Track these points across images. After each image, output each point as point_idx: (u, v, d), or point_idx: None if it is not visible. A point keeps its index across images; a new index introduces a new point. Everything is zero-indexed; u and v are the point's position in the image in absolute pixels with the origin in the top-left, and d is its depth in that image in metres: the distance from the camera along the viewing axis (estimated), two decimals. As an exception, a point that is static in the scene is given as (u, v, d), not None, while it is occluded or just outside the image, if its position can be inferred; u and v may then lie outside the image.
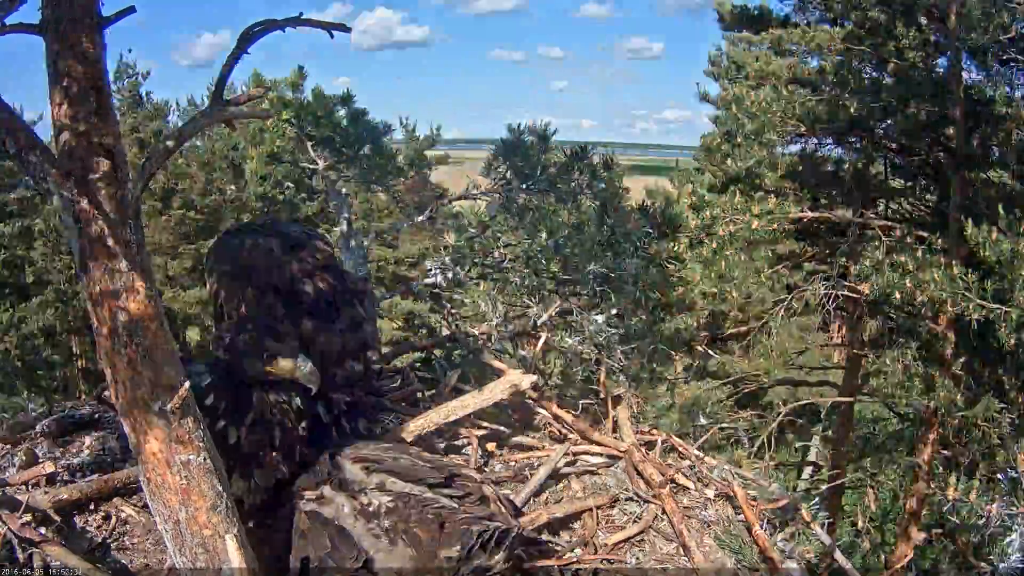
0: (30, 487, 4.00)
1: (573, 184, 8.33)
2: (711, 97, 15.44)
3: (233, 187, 26.05)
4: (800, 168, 12.91)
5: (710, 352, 14.97)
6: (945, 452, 11.89)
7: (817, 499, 5.28)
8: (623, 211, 8.14)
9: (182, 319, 26.04)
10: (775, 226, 11.44)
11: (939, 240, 11.01)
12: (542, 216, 7.77)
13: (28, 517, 3.67)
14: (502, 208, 8.28)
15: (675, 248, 12.14)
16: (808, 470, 16.57)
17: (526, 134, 8.66)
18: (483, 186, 8.62)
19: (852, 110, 11.04)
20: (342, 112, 10.01)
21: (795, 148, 13.36)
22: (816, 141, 12.84)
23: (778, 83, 12.23)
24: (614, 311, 7.68)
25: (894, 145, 11.92)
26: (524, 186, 8.25)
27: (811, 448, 18.26)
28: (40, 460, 4.22)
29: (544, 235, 7.29)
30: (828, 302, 12.41)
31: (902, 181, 12.86)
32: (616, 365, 7.92)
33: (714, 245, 11.54)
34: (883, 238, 11.65)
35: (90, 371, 22.72)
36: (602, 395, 5.86)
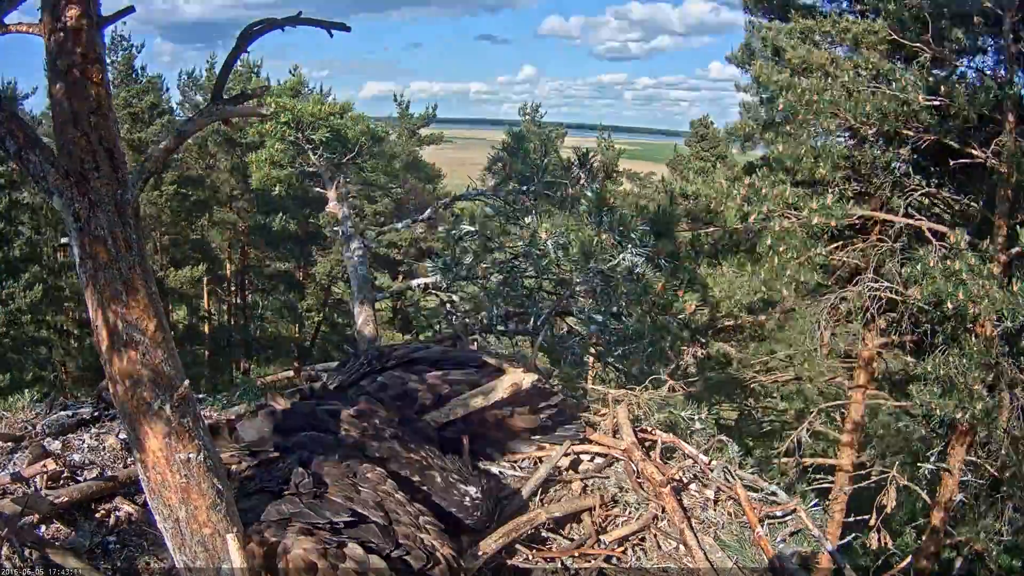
0: (31, 483, 4.02)
1: (573, 188, 8.38)
2: (745, 85, 14.86)
3: (225, 160, 25.93)
4: (848, 162, 12.72)
5: (712, 344, 14.88)
6: (974, 459, 11.83)
7: (816, 501, 5.27)
8: (624, 214, 8.16)
9: (172, 297, 26.06)
10: (832, 223, 11.32)
11: (988, 246, 10.84)
12: (541, 217, 7.79)
13: (29, 519, 3.69)
14: (502, 211, 8.31)
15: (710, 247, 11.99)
16: (793, 465, 16.49)
17: (528, 138, 8.70)
18: (483, 187, 8.67)
19: (915, 107, 10.80)
20: (341, 119, 10.09)
21: (841, 141, 13.13)
22: (864, 136, 12.61)
23: (826, 73, 11.97)
24: (614, 309, 7.67)
25: (948, 145, 11.65)
26: (524, 188, 8.28)
27: (798, 444, 18.14)
28: (47, 455, 4.23)
29: (543, 235, 7.30)
30: (872, 304, 12.32)
31: (946, 182, 12.56)
32: (615, 364, 7.91)
33: (769, 241, 11.41)
34: (935, 242, 11.46)
35: (73, 353, 22.63)
36: (602, 394, 5.86)
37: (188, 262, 26.83)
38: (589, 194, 7.91)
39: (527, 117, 36.61)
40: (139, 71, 26.01)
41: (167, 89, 26.89)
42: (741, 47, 14.72)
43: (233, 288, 31.24)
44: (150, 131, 23.99)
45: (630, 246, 7.72)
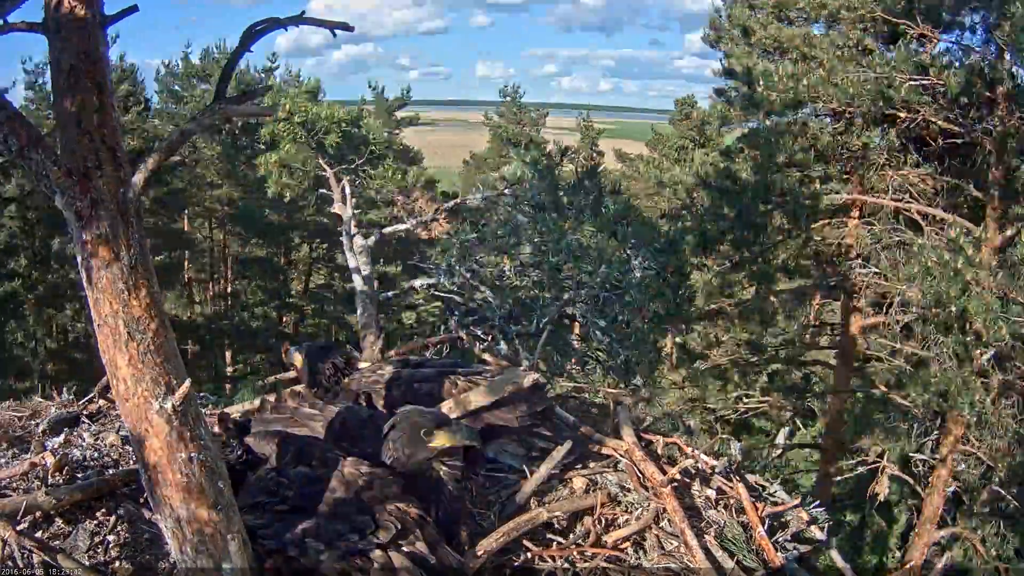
0: (30, 479, 4.02)
1: (583, 201, 8.47)
2: (736, 72, 14.69)
3: (208, 148, 26.02)
4: (835, 142, 12.67)
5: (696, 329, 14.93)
6: (966, 448, 11.83)
7: (818, 501, 5.28)
8: (636, 226, 8.24)
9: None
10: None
11: (980, 231, 10.82)
12: (554, 226, 7.86)
13: (29, 519, 3.69)
14: (515, 218, 8.36)
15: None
16: (776, 452, 16.58)
17: (545, 160, 8.80)
18: (491, 191, 8.76)
19: (901, 91, 10.66)
20: (355, 125, 10.17)
21: (827, 123, 13.13)
22: (849, 118, 12.53)
23: (803, 55, 11.90)
24: (618, 317, 7.71)
25: (935, 126, 11.54)
26: (538, 196, 8.37)
27: (780, 431, 18.30)
28: (47, 453, 4.23)
29: (562, 242, 7.39)
30: (861, 288, 12.41)
31: (936, 164, 12.44)
32: (616, 367, 7.93)
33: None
34: (925, 227, 11.45)
35: (56, 352, 22.57)
36: (603, 395, 5.86)
37: (166, 249, 27.00)
38: (609, 207, 7.98)
39: (507, 99, 36.77)
40: (118, 60, 26.27)
41: (142, 80, 27.22)
42: (709, 23, 14.54)
43: (215, 276, 31.31)
44: (127, 119, 24.14)
45: (639, 259, 7.78)
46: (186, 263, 29.55)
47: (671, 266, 10.00)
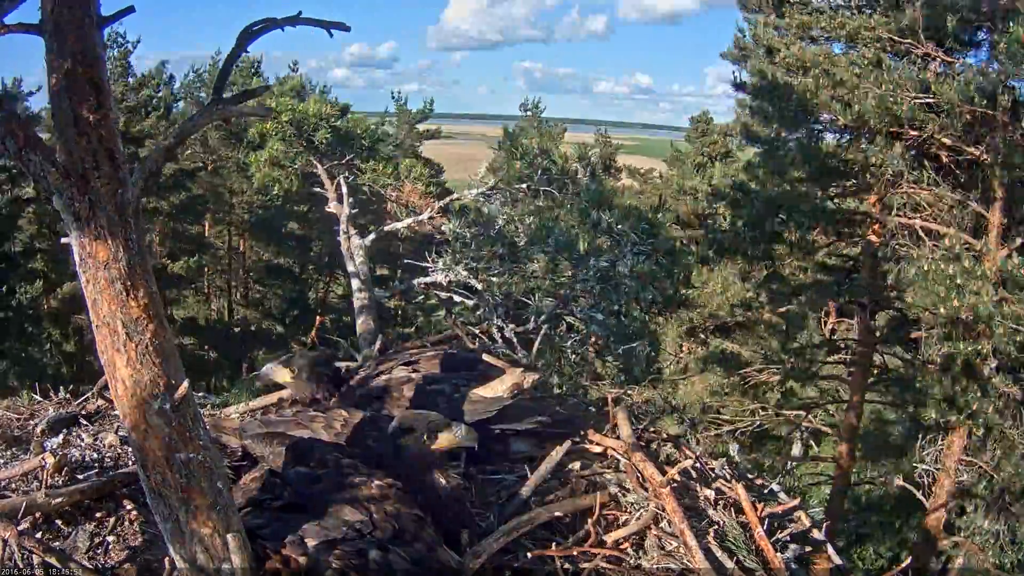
0: (30, 480, 4.02)
1: (573, 183, 8.41)
2: (747, 84, 14.69)
3: (229, 155, 25.97)
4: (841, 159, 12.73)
5: (712, 341, 14.93)
6: (969, 459, 11.84)
7: (816, 501, 5.28)
8: (620, 214, 8.19)
9: (172, 291, 26.09)
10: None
11: (982, 244, 10.88)
12: (542, 216, 7.81)
13: (29, 520, 3.69)
14: (502, 211, 8.32)
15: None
16: (792, 464, 16.63)
17: (527, 132, 8.72)
18: (483, 185, 8.72)
19: (905, 107, 10.74)
20: (341, 121, 10.13)
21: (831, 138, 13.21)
22: (853, 134, 12.62)
23: (825, 71, 11.96)
24: (615, 308, 7.68)
25: (940, 143, 11.59)
26: (524, 185, 8.32)
27: (795, 442, 18.38)
28: (46, 453, 4.23)
29: (556, 232, 7.35)
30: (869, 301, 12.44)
31: (942, 179, 12.49)
32: (615, 364, 7.92)
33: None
34: (928, 241, 11.53)
35: (73, 355, 22.56)
36: (601, 393, 5.86)
37: (185, 255, 26.97)
38: (587, 193, 7.92)
39: (527, 113, 36.76)
40: (132, 66, 26.21)
41: (172, 79, 27.00)
42: (734, 43, 14.66)
43: (234, 283, 31.28)
44: (147, 124, 24.07)
45: (629, 244, 7.74)
46: (207, 269, 29.52)
47: (661, 248, 9.97)
